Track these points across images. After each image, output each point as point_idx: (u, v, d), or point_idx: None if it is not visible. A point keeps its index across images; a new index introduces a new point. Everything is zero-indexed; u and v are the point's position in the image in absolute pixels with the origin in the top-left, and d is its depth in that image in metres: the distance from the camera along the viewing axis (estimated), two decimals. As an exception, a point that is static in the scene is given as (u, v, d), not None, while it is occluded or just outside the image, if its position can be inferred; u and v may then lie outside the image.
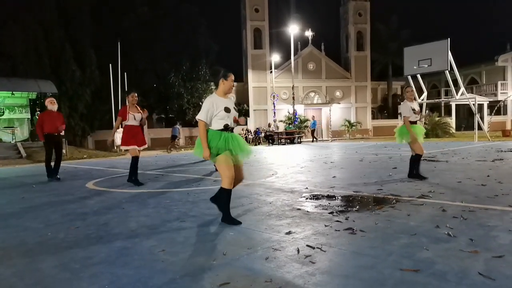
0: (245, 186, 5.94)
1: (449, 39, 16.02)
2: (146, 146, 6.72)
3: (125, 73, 20.41)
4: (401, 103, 6.11)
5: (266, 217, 3.79)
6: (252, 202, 4.59)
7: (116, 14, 25.43)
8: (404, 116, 5.92)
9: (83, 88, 21.50)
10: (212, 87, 29.85)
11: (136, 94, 6.55)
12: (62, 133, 7.80)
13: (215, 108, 3.54)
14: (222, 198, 3.70)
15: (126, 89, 20.66)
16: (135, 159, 6.54)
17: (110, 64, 19.19)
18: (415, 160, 5.95)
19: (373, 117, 35.53)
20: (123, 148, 6.59)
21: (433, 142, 17.80)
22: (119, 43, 19.64)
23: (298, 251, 2.70)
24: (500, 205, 3.85)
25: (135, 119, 6.42)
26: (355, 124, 31.66)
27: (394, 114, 32.06)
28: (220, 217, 3.72)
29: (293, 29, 24.75)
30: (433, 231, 3.04)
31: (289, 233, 3.18)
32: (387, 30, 35.22)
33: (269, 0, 31.72)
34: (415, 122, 5.97)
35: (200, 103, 28.08)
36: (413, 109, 5.90)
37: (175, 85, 27.02)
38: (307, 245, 2.81)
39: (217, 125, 3.58)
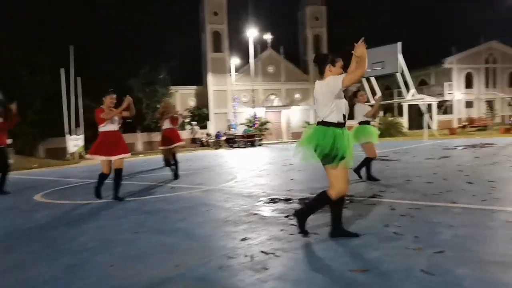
0: (203, 192, 5.89)
1: (400, 43, 16.80)
2: (129, 154, 5.62)
3: (79, 78, 19.53)
4: (355, 106, 6.28)
5: (222, 224, 3.77)
6: (210, 209, 4.55)
7: (70, 17, 24.35)
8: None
9: (33, 94, 20.37)
10: (171, 91, 29.39)
11: (115, 96, 5.50)
12: (9, 141, 7.30)
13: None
14: (335, 211, 3.03)
15: (80, 95, 19.82)
16: (106, 175, 5.48)
17: (62, 69, 18.30)
18: (367, 162, 6.09)
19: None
20: (91, 156, 5.40)
21: (387, 141, 18.57)
22: (71, 47, 18.78)
23: (252, 258, 2.70)
24: (444, 201, 4.07)
25: (112, 123, 5.42)
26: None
27: (351, 115, 33.09)
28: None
29: (252, 33, 24.91)
30: (382, 230, 3.16)
31: (244, 239, 3.18)
32: (342, 34, 36.39)
33: (228, 4, 31.75)
34: (367, 122, 6.14)
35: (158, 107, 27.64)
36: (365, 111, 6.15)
37: (134, 89, 26.31)
38: (261, 251, 2.82)
39: (336, 116, 2.88)
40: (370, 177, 6.04)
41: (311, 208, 3.20)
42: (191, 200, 5.29)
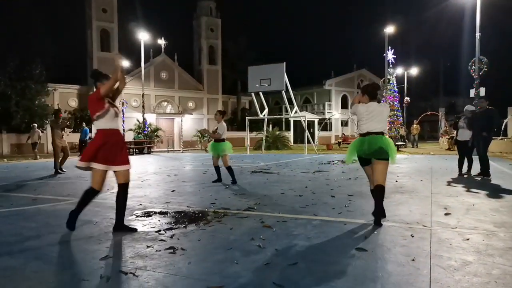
0: (70, 205, 5.33)
1: (284, 63, 18.09)
2: (129, 166, 3.86)
3: None
4: (218, 124, 7.48)
5: (84, 242, 3.46)
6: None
7: None
8: (218, 133, 7.42)
9: None
10: (48, 88, 26.33)
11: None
12: None
13: None
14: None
15: None
16: (96, 192, 3.80)
17: None
18: (230, 169, 7.49)
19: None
20: (83, 164, 3.64)
21: (272, 154, 19.68)
22: None
23: (108, 279, 2.53)
24: (307, 214, 4.45)
25: (116, 116, 3.80)
26: (206, 135, 32.38)
27: (243, 127, 34.15)
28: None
29: (143, 35, 23.97)
30: (247, 244, 3.29)
31: (104, 258, 2.97)
32: (236, 48, 37.62)
33: (118, 2, 30.06)
34: (222, 140, 7.47)
35: (35, 107, 24.40)
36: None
37: (-1, 84, 22.82)
38: (120, 271, 2.67)
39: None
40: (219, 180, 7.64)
41: None
42: (53, 214, 4.75)
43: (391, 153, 3.92)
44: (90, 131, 18.22)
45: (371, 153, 3.98)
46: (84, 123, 21.26)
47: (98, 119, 3.70)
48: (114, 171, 3.77)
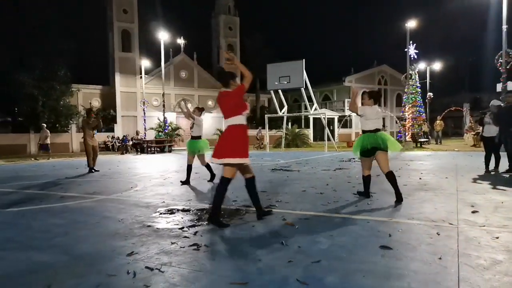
0: (96, 202, 5.50)
1: (304, 60, 17.95)
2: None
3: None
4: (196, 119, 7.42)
5: (109, 238, 3.55)
6: (99, 221, 4.25)
7: None
8: (194, 123, 7.41)
9: None
10: (72, 89, 27.08)
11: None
12: None
13: None
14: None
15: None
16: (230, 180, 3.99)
17: None
18: (209, 168, 7.42)
19: (244, 127, 37.21)
20: (243, 161, 3.90)
21: (292, 152, 19.62)
22: None
23: (135, 274, 2.59)
24: (329, 212, 4.41)
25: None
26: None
27: (262, 124, 34.15)
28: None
29: (163, 35, 24.28)
30: (269, 241, 3.29)
31: (130, 254, 3.03)
32: (254, 46, 37.59)
33: (139, 3, 30.54)
34: (199, 137, 7.45)
35: (60, 107, 25.14)
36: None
37: (26, 86, 23.57)
38: (146, 267, 2.72)
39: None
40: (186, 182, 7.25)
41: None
42: (80, 211, 4.89)
43: (391, 144, 4.96)
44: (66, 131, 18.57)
45: (377, 145, 4.87)
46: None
47: (244, 115, 3.98)
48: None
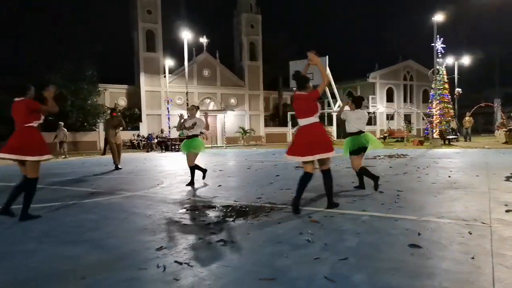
0: (124, 199, 5.64)
1: (327, 56, 17.76)
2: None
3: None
4: (196, 118, 7.09)
5: (138, 233, 3.64)
6: (128, 217, 4.36)
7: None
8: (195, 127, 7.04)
9: None
10: (99, 88, 27.83)
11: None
12: None
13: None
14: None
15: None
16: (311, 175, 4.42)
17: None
18: (198, 168, 7.18)
19: (266, 125, 37.33)
20: (332, 154, 4.24)
21: (316, 149, 19.43)
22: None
23: (165, 268, 2.65)
24: (355, 209, 4.36)
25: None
26: (248, 131, 32.79)
27: (285, 122, 34.11)
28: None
29: (187, 35, 24.57)
30: (295, 238, 3.29)
31: (159, 249, 3.10)
32: (277, 44, 37.47)
33: (162, 3, 31.00)
34: (196, 136, 7.14)
35: (87, 107, 25.93)
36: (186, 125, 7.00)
37: (55, 85, 24.43)
38: (175, 261, 2.78)
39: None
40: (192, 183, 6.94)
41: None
42: (109, 207, 5.03)
43: (374, 143, 5.73)
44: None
45: (363, 145, 5.59)
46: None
47: (316, 117, 4.29)
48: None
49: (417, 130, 37.76)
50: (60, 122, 18.88)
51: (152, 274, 2.56)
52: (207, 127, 7.16)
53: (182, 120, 7.13)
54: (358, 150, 5.60)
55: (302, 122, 4.29)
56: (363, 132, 5.64)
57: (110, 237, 3.49)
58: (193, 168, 7.08)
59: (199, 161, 7.21)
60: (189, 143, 7.09)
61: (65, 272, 2.64)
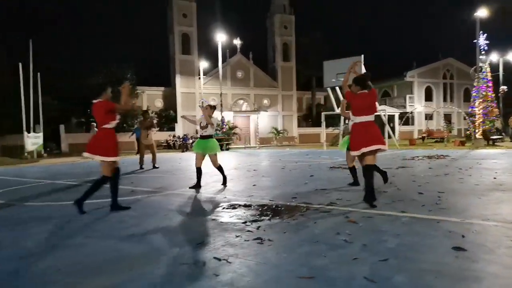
0: (163, 197, 5.82)
1: (362, 55, 17.41)
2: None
3: (38, 74, 18.73)
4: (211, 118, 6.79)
5: (179, 229, 3.75)
6: (168, 214, 4.51)
7: (27, 11, 23.48)
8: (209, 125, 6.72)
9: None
10: (138, 91, 28.81)
11: None
12: None
13: None
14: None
15: (39, 91, 19.00)
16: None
17: (20, 64, 17.47)
18: (221, 171, 6.92)
19: (299, 125, 37.11)
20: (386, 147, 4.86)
21: (351, 150, 19.09)
22: (30, 41, 18.00)
23: (204, 264, 2.72)
24: (394, 210, 4.26)
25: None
26: (282, 131, 32.74)
27: (318, 123, 33.77)
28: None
29: (221, 37, 24.92)
30: (333, 238, 3.27)
31: (199, 245, 3.19)
32: (310, 44, 37.14)
33: (197, 6, 31.64)
34: (210, 137, 6.86)
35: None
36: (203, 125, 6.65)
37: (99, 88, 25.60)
38: (214, 257, 2.84)
39: None
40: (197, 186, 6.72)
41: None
42: (149, 204, 5.22)
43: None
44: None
45: None
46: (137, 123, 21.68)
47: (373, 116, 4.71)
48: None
49: (458, 130, 36.16)
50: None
51: (193, 269, 2.63)
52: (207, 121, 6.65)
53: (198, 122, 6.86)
54: None
55: (360, 119, 4.66)
56: None
57: (152, 233, 3.62)
58: (199, 169, 6.93)
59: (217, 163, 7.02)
60: (203, 143, 6.82)
61: (114, 266, 2.77)
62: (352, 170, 6.42)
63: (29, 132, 17.78)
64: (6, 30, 21.01)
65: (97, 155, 4.48)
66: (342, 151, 6.35)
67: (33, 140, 17.92)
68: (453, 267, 2.51)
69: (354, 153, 4.84)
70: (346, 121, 6.80)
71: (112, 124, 4.59)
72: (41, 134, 18.72)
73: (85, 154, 4.55)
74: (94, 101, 4.69)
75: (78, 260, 2.89)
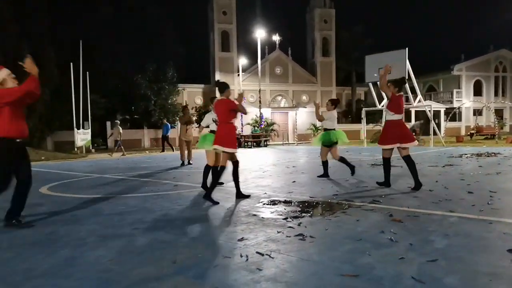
0: (203, 192, 5.93)
1: (407, 48, 16.75)
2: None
3: (87, 73, 19.74)
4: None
5: (221, 223, 3.82)
6: (210, 208, 4.60)
7: (78, 12, 24.75)
8: (201, 125, 6.65)
9: (41, 87, 20.58)
10: (179, 88, 29.55)
11: None
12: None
13: None
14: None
15: (88, 89, 20.02)
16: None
17: (71, 63, 18.50)
18: (207, 171, 5.96)
19: (338, 121, 36.30)
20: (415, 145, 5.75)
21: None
22: (81, 41, 18.99)
23: (247, 258, 2.75)
24: (442, 210, 4.08)
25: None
26: (320, 128, 32.23)
27: (358, 119, 32.94)
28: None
29: (260, 33, 24.96)
30: (377, 236, 3.19)
31: (241, 239, 3.23)
32: (351, 38, 36.22)
33: (237, 4, 31.86)
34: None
35: (168, 106, 27.77)
36: (215, 120, 6.08)
37: (141, 86, 26.52)
38: (257, 252, 2.87)
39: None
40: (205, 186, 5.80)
41: None
42: (190, 198, 5.35)
43: (341, 138, 7.09)
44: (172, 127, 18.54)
45: (332, 141, 6.94)
46: (165, 120, 21.48)
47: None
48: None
49: (510, 127, 33.92)
50: (116, 121, 18.66)
51: (236, 262, 2.67)
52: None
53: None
54: (330, 143, 6.91)
55: (393, 117, 5.53)
56: (334, 129, 6.97)
57: (195, 226, 3.72)
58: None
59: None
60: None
61: (159, 256, 2.87)
62: (325, 163, 7.28)
63: (78, 129, 18.81)
64: (55, 30, 22.28)
65: (223, 147, 4.97)
66: (318, 146, 7.31)
67: (82, 136, 18.94)
68: (510, 270, 2.37)
69: (387, 146, 5.63)
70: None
71: (233, 121, 5.15)
72: (89, 130, 19.74)
73: (215, 146, 5.03)
74: (217, 98, 5.27)
75: (127, 250, 3.03)
